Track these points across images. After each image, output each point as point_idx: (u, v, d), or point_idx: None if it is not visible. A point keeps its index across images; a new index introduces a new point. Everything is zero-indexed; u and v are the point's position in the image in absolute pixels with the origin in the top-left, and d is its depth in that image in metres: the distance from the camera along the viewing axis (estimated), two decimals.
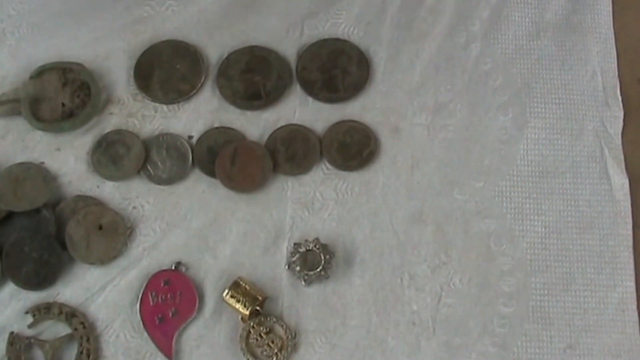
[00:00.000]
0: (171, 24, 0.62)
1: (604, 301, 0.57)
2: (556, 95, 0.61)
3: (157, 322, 0.55)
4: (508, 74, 0.62)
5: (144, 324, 0.55)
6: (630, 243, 0.58)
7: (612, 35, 0.63)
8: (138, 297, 0.56)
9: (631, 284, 0.57)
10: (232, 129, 0.60)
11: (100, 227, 0.57)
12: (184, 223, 0.58)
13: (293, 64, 0.61)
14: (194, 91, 0.60)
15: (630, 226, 0.58)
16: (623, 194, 0.59)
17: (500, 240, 0.58)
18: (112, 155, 0.59)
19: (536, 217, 0.58)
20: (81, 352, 0.54)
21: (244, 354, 0.54)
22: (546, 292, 0.57)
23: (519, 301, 0.56)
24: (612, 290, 0.57)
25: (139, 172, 0.58)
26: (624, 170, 0.60)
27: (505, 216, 0.58)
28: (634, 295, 0.57)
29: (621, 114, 0.61)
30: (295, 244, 0.56)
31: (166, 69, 0.61)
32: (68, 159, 0.59)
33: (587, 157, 0.60)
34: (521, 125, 0.60)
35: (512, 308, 0.56)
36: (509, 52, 0.62)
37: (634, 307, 0.56)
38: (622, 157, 0.60)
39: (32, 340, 0.54)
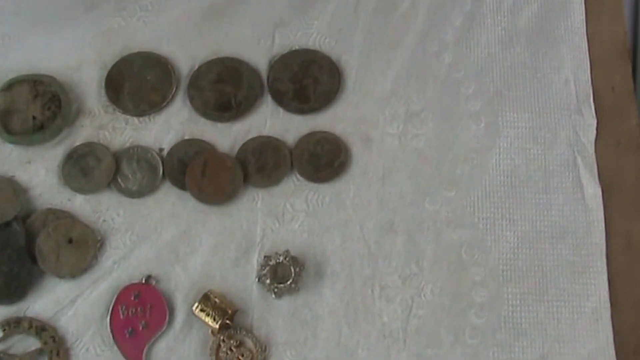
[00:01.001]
0: (142, 35, 0.62)
1: (577, 311, 0.56)
2: (529, 103, 0.61)
3: (127, 335, 0.55)
4: (480, 82, 0.62)
5: (114, 337, 0.55)
6: (604, 252, 0.58)
7: (585, 43, 0.63)
8: (108, 310, 0.55)
9: (605, 294, 0.57)
10: (203, 141, 0.59)
11: (71, 240, 0.57)
12: (154, 235, 0.57)
13: (264, 74, 0.61)
14: (165, 102, 0.60)
15: (603, 235, 0.58)
16: (596, 202, 0.59)
17: (472, 250, 0.57)
18: (82, 167, 0.58)
19: (509, 227, 0.58)
20: None
21: None
22: (519, 302, 0.56)
23: (491, 311, 0.56)
24: (585, 300, 0.57)
25: (109, 184, 0.58)
26: (597, 179, 0.59)
27: (477, 226, 0.58)
28: (608, 304, 0.57)
29: (594, 122, 0.61)
30: (265, 257, 0.56)
31: (137, 81, 0.61)
32: (39, 171, 0.59)
33: (560, 166, 0.60)
34: (493, 133, 0.60)
35: (484, 319, 0.56)
36: (481, 60, 0.62)
37: (608, 316, 0.56)
38: (595, 165, 0.60)
39: (1, 355, 0.54)
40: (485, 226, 0.58)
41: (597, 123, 0.61)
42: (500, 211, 0.58)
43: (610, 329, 0.56)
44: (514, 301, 0.56)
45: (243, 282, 0.56)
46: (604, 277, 0.57)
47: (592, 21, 0.64)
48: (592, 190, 0.59)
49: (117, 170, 0.58)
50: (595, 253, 0.58)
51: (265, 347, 0.55)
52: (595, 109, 0.61)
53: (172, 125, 0.60)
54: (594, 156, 0.60)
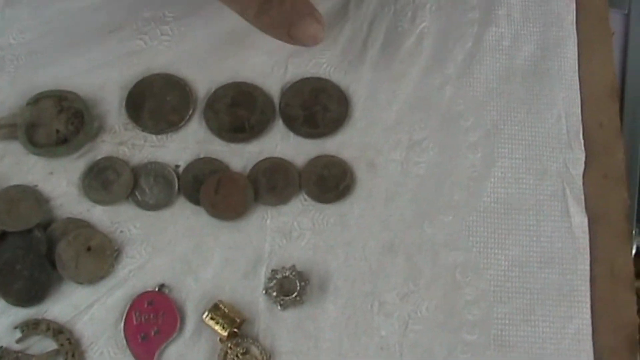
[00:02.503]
0: (163, 58, 0.65)
1: (561, 332, 0.60)
2: (523, 137, 0.65)
3: (139, 340, 0.58)
4: (479, 115, 0.65)
5: (127, 341, 0.58)
6: (588, 278, 0.61)
7: (577, 82, 0.66)
8: (122, 316, 0.58)
9: (587, 317, 0.60)
10: (217, 160, 0.62)
11: (89, 249, 0.59)
12: (168, 247, 0.60)
13: (277, 100, 0.64)
14: (183, 122, 0.63)
15: (588, 262, 0.61)
16: (582, 231, 0.62)
17: (466, 272, 0.61)
18: (102, 180, 0.61)
19: (500, 251, 0.61)
20: None
21: None
22: (508, 321, 0.60)
23: (482, 329, 0.59)
24: (569, 322, 0.60)
25: (127, 197, 0.61)
26: (584, 210, 0.63)
27: (471, 249, 0.61)
28: (590, 327, 0.60)
29: (583, 157, 0.64)
30: (272, 271, 0.59)
31: (157, 101, 0.64)
32: (60, 182, 0.62)
33: (549, 196, 0.63)
34: (489, 164, 0.64)
35: (475, 336, 0.59)
36: (480, 94, 0.66)
37: (589, 338, 0.60)
38: (582, 197, 0.63)
39: (19, 354, 0.57)
40: (479, 250, 0.61)
41: (586, 157, 0.64)
42: (494, 236, 0.62)
43: (592, 350, 0.59)
44: (503, 320, 0.60)
45: (251, 294, 0.59)
46: (587, 301, 0.60)
47: (583, 62, 0.67)
48: (579, 220, 0.63)
49: (135, 184, 0.61)
50: (580, 278, 0.61)
51: (270, 356, 0.58)
52: (584, 144, 0.65)
53: (189, 144, 0.63)
54: (581, 188, 0.63)
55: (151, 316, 0.58)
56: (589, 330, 0.60)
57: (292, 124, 0.64)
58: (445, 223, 0.62)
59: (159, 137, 0.63)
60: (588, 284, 0.61)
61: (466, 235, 0.62)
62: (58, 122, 0.63)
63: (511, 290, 0.61)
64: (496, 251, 0.62)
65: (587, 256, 0.62)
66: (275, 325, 0.59)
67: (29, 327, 0.58)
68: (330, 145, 0.64)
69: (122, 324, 0.58)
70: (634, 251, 0.63)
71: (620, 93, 0.67)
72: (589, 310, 0.60)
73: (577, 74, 0.67)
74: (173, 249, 0.60)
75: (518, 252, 0.62)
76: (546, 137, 0.65)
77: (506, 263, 0.61)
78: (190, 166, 0.62)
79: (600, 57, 0.67)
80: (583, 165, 0.64)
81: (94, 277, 0.59)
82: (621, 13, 0.71)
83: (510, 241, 0.62)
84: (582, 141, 0.65)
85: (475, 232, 0.62)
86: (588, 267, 0.61)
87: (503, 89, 0.66)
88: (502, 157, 0.64)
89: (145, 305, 0.59)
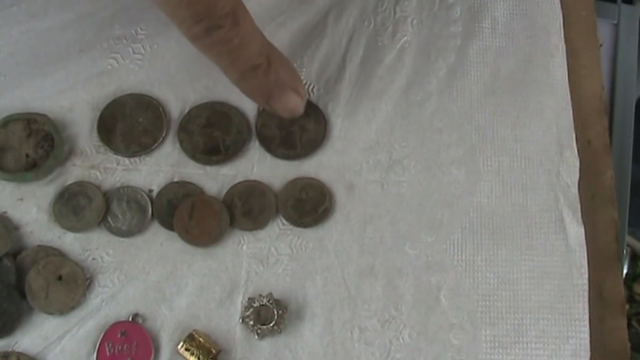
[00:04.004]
0: (135, 78, 0.63)
1: (556, 353, 0.58)
2: (510, 149, 0.63)
3: None
4: (463, 130, 0.63)
5: None
6: (586, 294, 0.59)
7: (567, 91, 0.64)
8: (95, 347, 0.57)
9: (585, 336, 0.58)
10: (191, 184, 0.61)
11: (60, 278, 0.58)
12: (142, 275, 0.59)
13: (252, 120, 0.63)
14: (156, 145, 0.61)
15: (585, 276, 0.59)
16: (578, 244, 0.60)
17: (451, 293, 0.59)
18: (73, 206, 0.60)
19: (488, 269, 0.60)
20: None
21: None
22: (497, 344, 0.58)
23: (469, 354, 0.58)
24: (565, 342, 0.58)
25: (99, 223, 0.60)
26: (580, 220, 0.61)
27: (456, 268, 0.60)
28: (588, 347, 0.58)
29: (577, 164, 0.62)
30: (249, 299, 0.57)
31: (129, 122, 0.62)
32: (30, 209, 0.60)
33: (541, 209, 0.61)
34: (475, 179, 0.62)
35: None
36: (464, 108, 0.64)
37: (587, 358, 0.58)
38: (578, 206, 0.61)
39: None
40: (465, 268, 0.60)
41: None
42: (481, 254, 0.60)
43: None
44: (492, 343, 0.58)
45: (227, 323, 0.58)
46: (585, 319, 0.59)
47: (570, 76, 0.65)
48: (575, 231, 0.60)
49: (107, 209, 0.60)
50: (577, 294, 0.59)
51: None
52: None
53: (162, 167, 0.61)
54: (577, 197, 0.61)
55: (124, 347, 0.57)
56: (587, 349, 0.58)
57: (269, 145, 0.62)
58: (428, 244, 0.60)
59: (132, 160, 0.61)
60: (586, 300, 0.59)
61: (451, 255, 0.60)
62: (27, 145, 0.61)
63: (501, 311, 0.59)
64: (484, 270, 0.60)
65: (585, 270, 0.60)
66: (252, 356, 0.57)
67: None
68: (308, 167, 0.62)
69: (94, 356, 0.57)
70: (624, 272, 0.61)
71: (609, 107, 0.65)
72: (587, 329, 0.58)
73: (566, 82, 0.64)
74: (146, 277, 0.59)
75: (508, 269, 0.60)
76: (535, 148, 0.63)
77: (495, 281, 0.59)
78: (163, 190, 0.61)
79: (588, 70, 0.65)
80: (578, 173, 0.62)
81: (65, 307, 0.57)
82: (610, 23, 0.69)
83: (499, 258, 0.60)
84: (576, 149, 0.63)
85: (461, 251, 0.60)
86: (586, 282, 0.59)
87: (488, 102, 0.64)
88: (488, 171, 0.62)
89: (118, 336, 0.57)
